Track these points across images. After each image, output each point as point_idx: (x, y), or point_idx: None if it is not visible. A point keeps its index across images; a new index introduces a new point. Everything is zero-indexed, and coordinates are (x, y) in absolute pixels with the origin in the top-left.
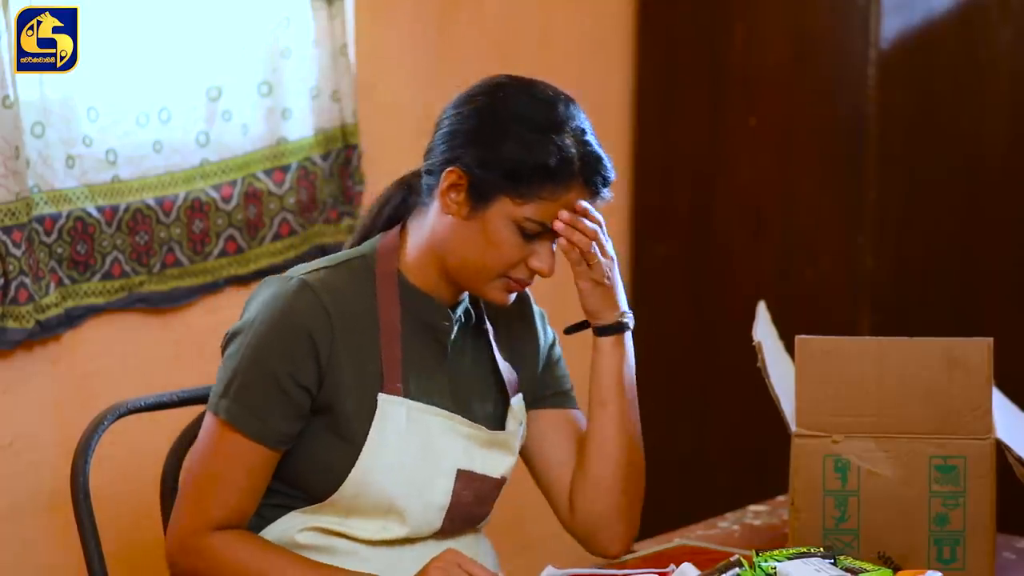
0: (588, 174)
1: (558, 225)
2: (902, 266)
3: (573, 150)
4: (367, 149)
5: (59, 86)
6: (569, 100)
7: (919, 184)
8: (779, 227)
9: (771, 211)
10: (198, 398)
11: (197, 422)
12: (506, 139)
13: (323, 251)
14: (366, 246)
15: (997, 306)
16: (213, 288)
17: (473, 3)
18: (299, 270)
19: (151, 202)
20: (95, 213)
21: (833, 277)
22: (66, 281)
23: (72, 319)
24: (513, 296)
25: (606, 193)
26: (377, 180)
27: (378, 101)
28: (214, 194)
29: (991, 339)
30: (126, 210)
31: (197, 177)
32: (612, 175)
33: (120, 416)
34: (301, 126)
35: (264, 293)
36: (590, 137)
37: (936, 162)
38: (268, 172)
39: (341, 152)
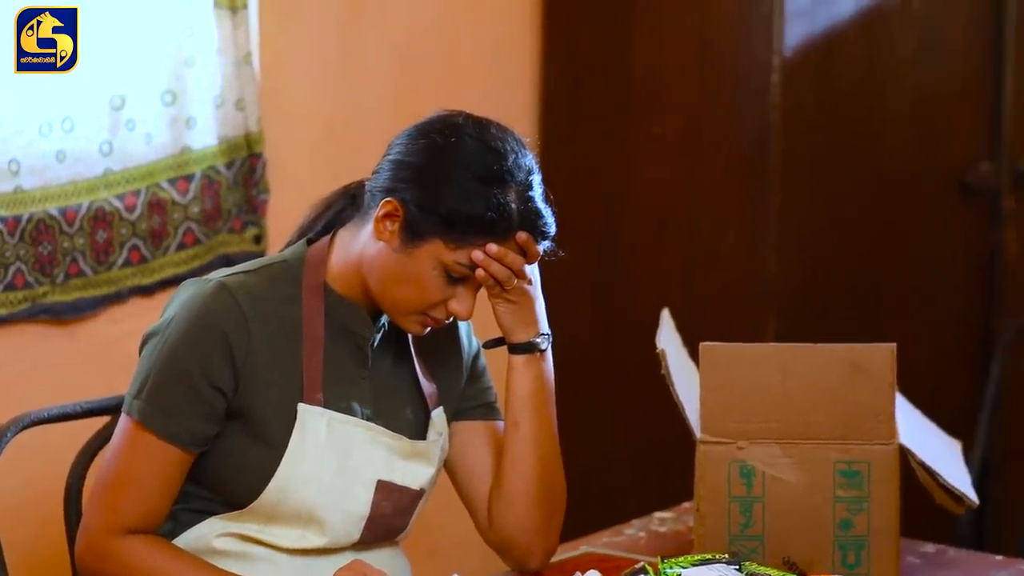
0: (527, 230)
1: (477, 255)
2: (806, 272)
3: (514, 205)
4: (271, 158)
5: None
6: (521, 149)
7: (823, 190)
8: (684, 234)
9: (676, 218)
10: (103, 409)
11: (102, 433)
12: (448, 184)
13: (228, 260)
14: (288, 252)
15: (900, 311)
16: (117, 298)
17: (377, 11)
18: (219, 273)
19: (54, 212)
20: None
21: (737, 284)
22: None
23: None
24: (428, 329)
25: (544, 246)
26: (281, 189)
27: (282, 110)
28: (118, 204)
29: (894, 345)
30: (29, 220)
31: (101, 187)
32: (552, 230)
33: (24, 427)
34: (205, 135)
35: (182, 295)
36: (534, 191)
37: (840, 168)
38: (172, 181)
39: (245, 161)
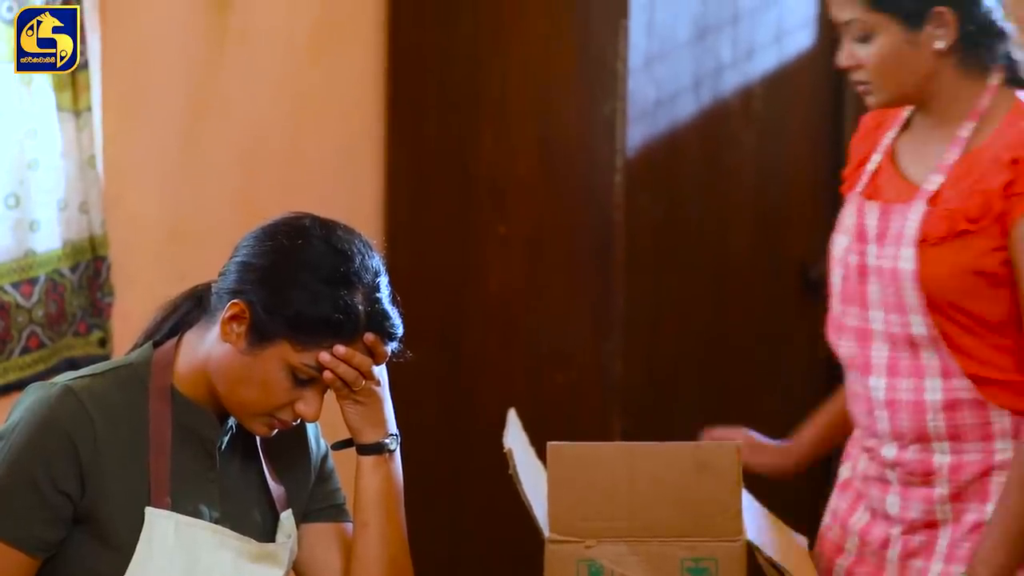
0: (374, 331)
1: (324, 357)
2: (652, 370)
3: (360, 307)
4: (116, 260)
5: None
6: (367, 251)
7: (667, 288)
8: (530, 333)
9: (521, 318)
10: None
11: None
12: (295, 287)
13: (73, 364)
14: (135, 355)
15: (746, 408)
16: None
17: (220, 112)
18: (65, 377)
19: None
20: None
21: (583, 383)
22: None
23: None
24: (275, 431)
25: (392, 347)
26: (126, 292)
27: (126, 212)
28: None
29: (739, 442)
30: None
31: None
32: (399, 331)
33: None
34: (49, 238)
35: (27, 399)
36: (381, 293)
37: (683, 266)
38: (16, 285)
39: (90, 264)
